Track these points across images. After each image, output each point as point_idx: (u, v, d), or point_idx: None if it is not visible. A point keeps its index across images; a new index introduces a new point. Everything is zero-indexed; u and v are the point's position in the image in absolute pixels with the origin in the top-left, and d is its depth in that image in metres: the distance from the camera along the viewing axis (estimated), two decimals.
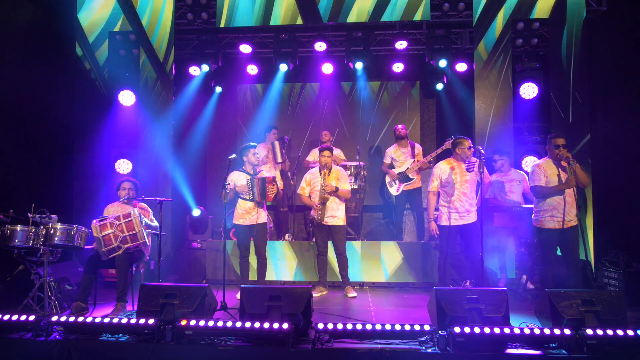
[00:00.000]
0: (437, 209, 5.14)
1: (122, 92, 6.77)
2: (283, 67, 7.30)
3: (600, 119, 6.56)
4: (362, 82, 8.00)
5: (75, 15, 6.81)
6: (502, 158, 5.95)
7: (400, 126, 6.66)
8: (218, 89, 7.97)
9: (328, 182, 5.29)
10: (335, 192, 5.29)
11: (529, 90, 6.56)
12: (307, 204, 5.49)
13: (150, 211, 5.09)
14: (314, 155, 7.12)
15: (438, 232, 4.99)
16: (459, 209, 4.90)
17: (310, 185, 5.47)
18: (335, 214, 5.38)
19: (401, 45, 7.34)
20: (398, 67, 7.64)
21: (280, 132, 7.25)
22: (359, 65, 7.21)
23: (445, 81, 7.60)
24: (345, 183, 5.43)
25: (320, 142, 7.32)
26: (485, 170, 5.00)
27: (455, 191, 4.91)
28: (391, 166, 6.56)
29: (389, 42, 7.47)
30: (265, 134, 7.08)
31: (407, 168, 6.35)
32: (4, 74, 5.95)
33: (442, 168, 5.00)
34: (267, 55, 7.73)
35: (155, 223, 4.95)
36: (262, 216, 5.26)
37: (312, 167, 6.58)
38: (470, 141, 4.96)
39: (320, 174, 5.38)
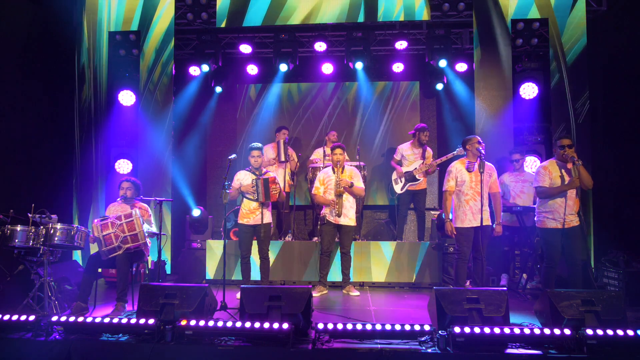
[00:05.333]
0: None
1: (122, 92, 6.78)
2: (283, 67, 7.30)
3: (600, 118, 6.56)
4: (362, 82, 8.00)
5: (75, 15, 6.82)
6: (523, 157, 5.94)
7: (427, 132, 6.50)
8: (218, 89, 7.97)
9: (343, 177, 5.33)
10: (350, 187, 5.32)
11: (529, 90, 6.56)
12: (322, 203, 5.48)
13: (151, 212, 5.09)
14: (316, 154, 7.12)
15: (455, 233, 4.94)
16: (474, 208, 4.89)
17: (324, 184, 5.49)
18: (347, 214, 5.40)
19: (401, 45, 7.34)
20: (398, 67, 7.64)
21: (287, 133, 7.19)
22: (359, 65, 7.21)
23: (445, 81, 7.60)
24: (359, 181, 5.46)
25: (324, 141, 7.31)
26: (495, 177, 5.00)
27: (471, 191, 4.91)
28: (399, 163, 6.55)
29: (389, 42, 7.47)
30: (275, 134, 7.09)
31: (415, 168, 6.34)
32: (4, 74, 5.95)
33: (458, 167, 4.99)
34: (267, 55, 7.73)
35: (154, 228, 4.94)
36: (267, 216, 5.27)
37: (313, 167, 6.59)
38: (478, 138, 5.00)
39: (334, 173, 5.41)
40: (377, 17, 6.68)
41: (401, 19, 6.69)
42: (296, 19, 6.76)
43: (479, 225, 4.84)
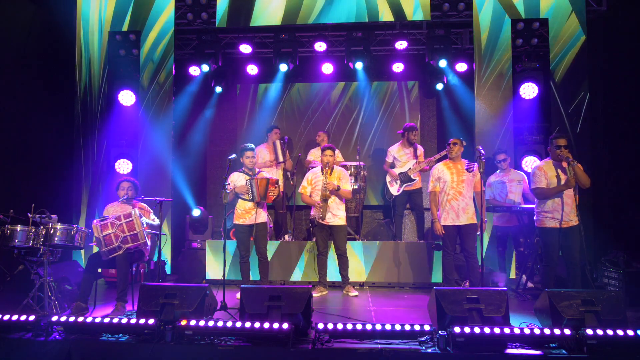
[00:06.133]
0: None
1: (122, 92, 6.78)
2: (283, 67, 7.30)
3: (600, 118, 6.56)
4: (362, 82, 8.00)
5: (75, 15, 6.82)
6: (507, 157, 5.97)
7: (416, 131, 6.51)
8: (218, 89, 7.97)
9: (330, 181, 5.31)
10: (337, 190, 5.30)
11: (529, 90, 6.56)
12: (308, 203, 5.52)
13: (151, 211, 5.10)
14: (313, 155, 7.12)
15: (443, 232, 5.05)
16: (455, 207, 5.02)
17: (311, 184, 5.49)
18: (336, 214, 5.39)
19: (401, 45, 7.34)
20: (398, 67, 7.64)
21: (281, 132, 7.23)
22: (359, 65, 7.20)
23: (445, 81, 7.60)
24: (347, 183, 5.45)
25: (316, 142, 7.32)
26: (479, 177, 5.03)
27: (452, 191, 5.03)
28: (392, 165, 6.55)
29: (389, 42, 7.47)
30: (267, 134, 7.08)
31: (410, 168, 6.34)
32: (4, 74, 5.95)
33: (440, 168, 5.15)
34: (267, 55, 7.73)
35: (157, 221, 4.93)
36: (262, 216, 5.27)
37: (313, 167, 6.58)
38: (460, 141, 5.11)
39: (322, 173, 5.39)
40: (406, 17, 6.65)
41: (421, 18, 6.67)
42: (310, 18, 6.75)
43: (462, 224, 4.98)
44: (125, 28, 6.79)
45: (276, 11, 6.76)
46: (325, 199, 5.34)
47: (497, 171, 5.97)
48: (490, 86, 6.51)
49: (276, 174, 6.64)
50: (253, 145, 5.35)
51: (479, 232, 5.04)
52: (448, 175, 5.06)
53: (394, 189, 6.45)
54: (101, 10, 6.81)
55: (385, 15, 6.67)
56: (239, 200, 5.28)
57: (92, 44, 6.81)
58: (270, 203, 5.28)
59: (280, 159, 6.66)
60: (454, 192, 5.02)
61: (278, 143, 6.67)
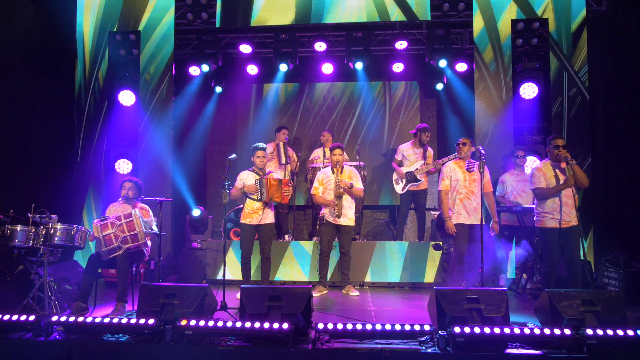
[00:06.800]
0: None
1: (122, 92, 6.77)
2: (283, 67, 7.30)
3: (601, 118, 6.56)
4: (362, 82, 8.00)
5: (75, 15, 6.82)
6: (525, 155, 5.94)
7: (429, 133, 6.45)
8: (218, 89, 7.97)
9: (342, 178, 5.32)
10: (350, 188, 5.31)
11: (529, 90, 6.56)
12: (321, 203, 5.49)
13: (151, 212, 5.08)
14: (316, 154, 7.11)
15: (455, 231, 5.02)
16: (468, 206, 5.00)
17: (323, 184, 5.49)
18: (346, 214, 5.40)
19: (401, 45, 7.34)
20: (398, 67, 7.64)
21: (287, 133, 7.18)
22: (359, 65, 7.20)
23: (445, 81, 7.60)
24: (358, 182, 5.46)
25: (319, 142, 7.31)
26: (488, 177, 5.03)
27: (464, 189, 5.02)
28: (400, 164, 6.54)
29: (389, 42, 7.47)
30: (275, 134, 7.08)
31: (417, 169, 6.33)
32: (4, 74, 5.95)
33: (452, 167, 5.14)
34: (267, 55, 7.73)
35: (155, 229, 4.91)
36: (269, 217, 5.28)
37: (312, 167, 6.59)
38: (469, 140, 5.11)
39: (333, 173, 5.40)
40: (417, 17, 6.64)
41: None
42: (320, 19, 6.76)
43: (473, 224, 4.96)
44: (125, 28, 6.78)
45: (286, 11, 6.75)
46: (339, 196, 5.35)
47: (513, 169, 5.96)
48: (490, 86, 6.51)
49: (279, 174, 6.63)
50: (264, 145, 5.36)
51: (492, 233, 5.07)
52: (460, 174, 5.05)
53: (399, 187, 6.43)
54: (94, 9, 6.80)
55: (398, 15, 6.66)
56: (247, 200, 5.27)
57: (92, 44, 6.81)
58: (286, 203, 5.29)
59: (283, 160, 6.66)
60: (467, 190, 5.01)
61: (282, 145, 6.67)
